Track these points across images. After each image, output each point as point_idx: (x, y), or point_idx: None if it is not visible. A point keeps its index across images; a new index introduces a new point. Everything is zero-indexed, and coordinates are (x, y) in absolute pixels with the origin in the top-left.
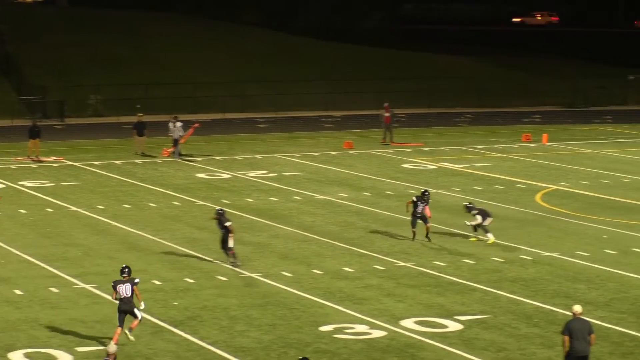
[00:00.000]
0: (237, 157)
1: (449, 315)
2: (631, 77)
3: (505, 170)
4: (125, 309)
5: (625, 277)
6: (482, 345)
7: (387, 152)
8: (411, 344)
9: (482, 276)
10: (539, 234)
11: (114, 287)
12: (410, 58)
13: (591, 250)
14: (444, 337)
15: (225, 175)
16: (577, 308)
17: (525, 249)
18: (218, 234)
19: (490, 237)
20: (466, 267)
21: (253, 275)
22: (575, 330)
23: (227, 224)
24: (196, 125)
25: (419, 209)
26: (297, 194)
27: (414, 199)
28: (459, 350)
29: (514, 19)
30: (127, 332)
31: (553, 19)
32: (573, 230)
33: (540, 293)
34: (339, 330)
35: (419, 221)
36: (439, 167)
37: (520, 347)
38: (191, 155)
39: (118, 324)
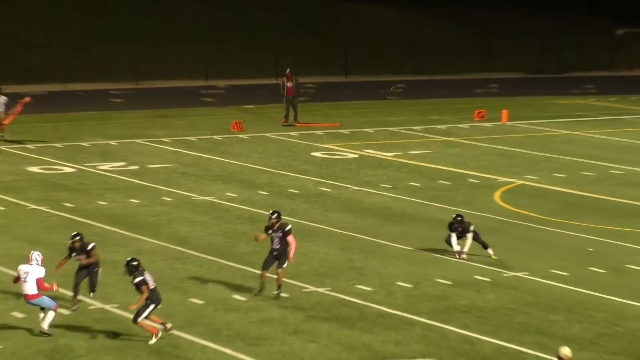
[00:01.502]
0: (83, 144)
1: None
2: (620, 31)
3: (452, 159)
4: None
5: (618, 304)
6: None
7: (290, 136)
8: None
9: (424, 305)
10: (500, 247)
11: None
12: (320, 7)
13: (572, 269)
14: None
15: (68, 169)
16: (566, 351)
17: (482, 267)
18: (57, 248)
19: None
20: (401, 292)
21: (106, 307)
22: None
23: (90, 246)
24: (26, 100)
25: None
26: (168, 193)
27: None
28: None
29: None
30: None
31: None
32: (547, 240)
33: (504, 327)
34: None
35: None
36: (362, 156)
37: None
38: (20, 142)
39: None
